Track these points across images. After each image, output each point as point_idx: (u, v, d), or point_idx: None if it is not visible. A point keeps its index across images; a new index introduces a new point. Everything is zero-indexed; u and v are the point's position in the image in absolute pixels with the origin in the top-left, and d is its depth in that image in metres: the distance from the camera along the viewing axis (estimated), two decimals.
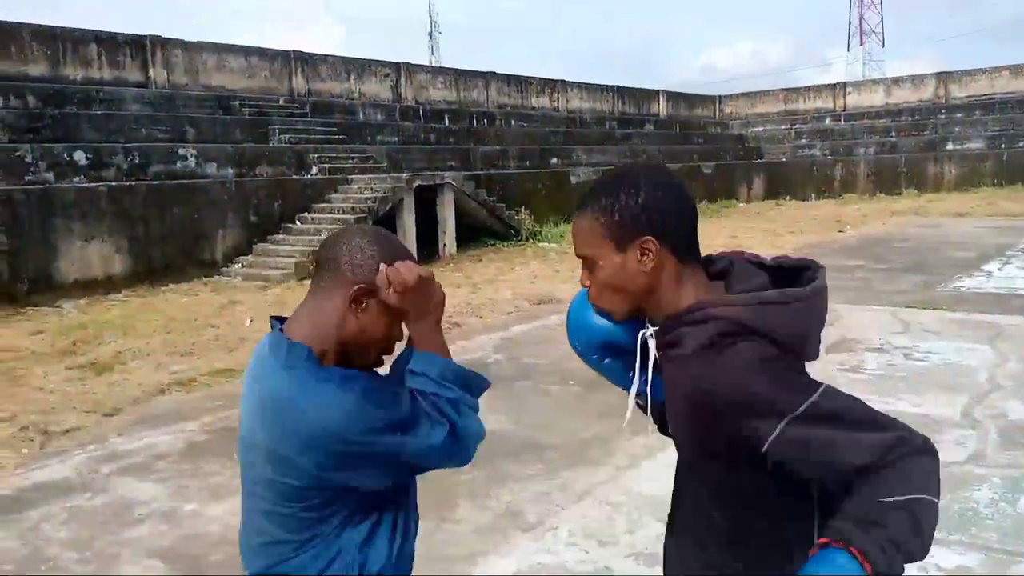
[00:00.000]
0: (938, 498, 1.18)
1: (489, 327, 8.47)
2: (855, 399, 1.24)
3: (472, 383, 1.43)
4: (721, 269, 1.40)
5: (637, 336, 1.41)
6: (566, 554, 3.51)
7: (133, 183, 11.95)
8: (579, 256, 1.40)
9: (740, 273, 1.36)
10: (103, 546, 3.74)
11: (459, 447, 1.39)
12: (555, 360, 6.93)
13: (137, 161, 12.51)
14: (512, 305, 9.62)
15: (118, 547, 3.72)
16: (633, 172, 1.36)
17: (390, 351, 1.46)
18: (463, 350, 7.45)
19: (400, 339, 1.46)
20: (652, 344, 1.38)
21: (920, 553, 1.16)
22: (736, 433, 1.25)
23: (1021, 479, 4.10)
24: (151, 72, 16.15)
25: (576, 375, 6.43)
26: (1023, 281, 10.06)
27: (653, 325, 1.38)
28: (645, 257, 1.31)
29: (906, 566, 1.16)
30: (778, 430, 1.20)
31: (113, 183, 11.71)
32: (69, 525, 3.98)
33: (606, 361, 1.54)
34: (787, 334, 1.26)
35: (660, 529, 3.84)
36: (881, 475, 1.18)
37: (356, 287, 1.36)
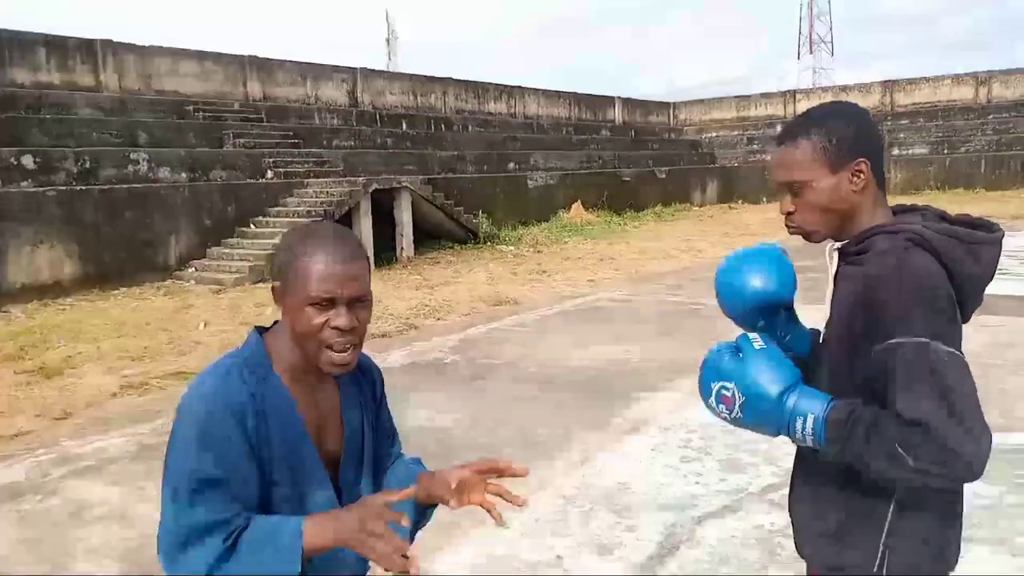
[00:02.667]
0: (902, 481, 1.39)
1: (446, 329, 8.52)
2: (969, 385, 1.34)
3: None
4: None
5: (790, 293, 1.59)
6: (519, 545, 3.58)
7: (84, 188, 11.74)
8: (784, 183, 1.53)
9: (931, 215, 1.53)
10: (55, 547, 3.71)
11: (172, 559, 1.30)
12: (511, 360, 7.01)
13: (88, 165, 12.30)
14: (469, 307, 9.68)
15: (71, 548, 3.70)
16: (844, 105, 1.54)
17: (331, 344, 1.36)
18: (420, 352, 7.49)
19: (349, 327, 1.36)
20: (835, 257, 1.55)
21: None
22: (874, 320, 1.39)
23: None
24: (102, 76, 15.89)
25: (533, 375, 6.52)
26: None
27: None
28: (856, 178, 1.47)
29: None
30: (894, 341, 1.35)
31: (63, 187, 11.49)
32: (19, 527, 3.93)
33: (760, 323, 1.66)
34: (961, 272, 1.40)
35: (612, 520, 3.95)
36: (907, 432, 1.32)
37: (272, 287, 1.43)
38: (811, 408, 1.42)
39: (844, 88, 32.80)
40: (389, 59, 64.80)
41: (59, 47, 15.24)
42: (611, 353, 7.17)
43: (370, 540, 1.25)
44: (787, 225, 1.57)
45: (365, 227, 13.51)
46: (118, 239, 11.71)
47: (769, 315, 1.62)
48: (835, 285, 1.53)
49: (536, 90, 27.74)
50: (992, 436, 1.33)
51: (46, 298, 10.53)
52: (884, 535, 1.45)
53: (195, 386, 1.37)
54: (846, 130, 1.46)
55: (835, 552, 1.51)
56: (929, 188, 25.96)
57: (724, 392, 1.50)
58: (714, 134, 33.62)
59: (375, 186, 13.95)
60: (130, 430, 5.40)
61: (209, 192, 13.26)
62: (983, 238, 1.43)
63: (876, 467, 1.36)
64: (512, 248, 15.72)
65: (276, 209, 13.75)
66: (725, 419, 1.53)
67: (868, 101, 31.43)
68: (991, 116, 28.59)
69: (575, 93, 29.69)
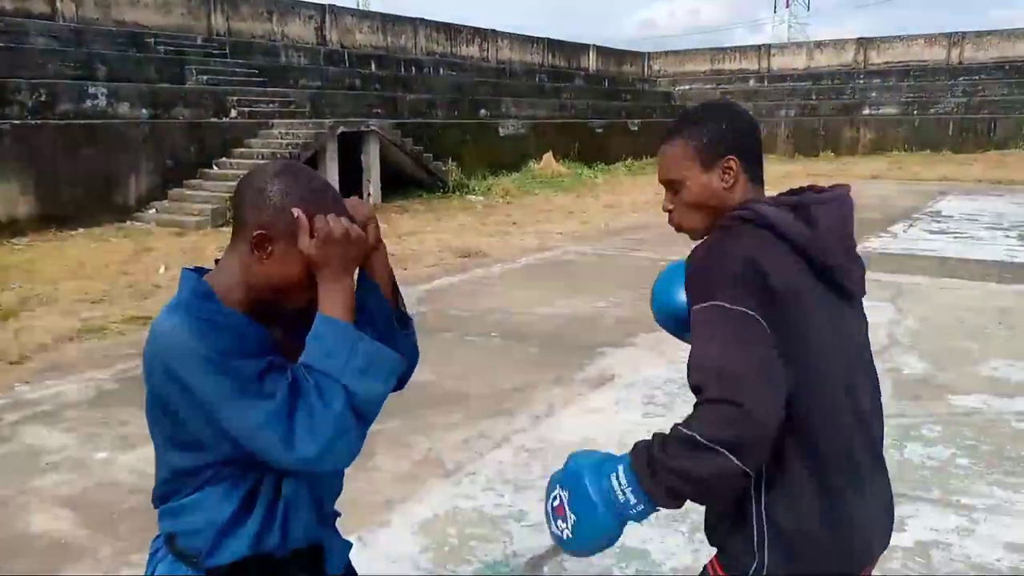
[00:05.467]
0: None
1: (413, 279, 8.45)
2: (747, 342, 1.30)
3: (375, 362, 1.27)
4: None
5: None
6: (483, 498, 3.60)
7: (39, 122, 11.32)
8: (664, 181, 1.56)
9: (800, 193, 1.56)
10: (10, 495, 3.64)
11: (308, 433, 1.20)
12: (478, 313, 6.99)
13: (44, 99, 11.83)
14: (437, 257, 9.61)
15: (26, 496, 3.64)
16: (716, 104, 1.59)
17: (303, 303, 1.32)
18: None
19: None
20: None
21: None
22: (688, 299, 1.43)
23: (909, 427, 4.39)
24: (58, 4, 15.23)
25: (499, 327, 6.51)
26: (926, 243, 10.59)
27: None
28: (727, 175, 1.50)
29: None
30: (694, 308, 1.38)
31: (17, 121, 11.07)
32: None
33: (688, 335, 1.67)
34: (800, 236, 1.41)
35: None
36: (691, 412, 1.32)
37: (256, 232, 1.26)
38: (617, 460, 1.38)
39: (819, 44, 32.68)
40: None
41: None
42: (577, 307, 7.19)
43: (340, 242, 1.26)
44: (669, 223, 1.59)
45: (332, 171, 13.27)
46: (76, 177, 11.35)
47: None
48: None
49: (509, 34, 27.25)
50: (782, 390, 1.29)
51: (1, 237, 10.23)
52: (755, 519, 1.41)
53: (162, 324, 1.26)
54: (717, 129, 1.50)
55: (723, 536, 1.51)
56: (897, 149, 26.11)
57: (554, 502, 1.42)
58: (687, 86, 33.38)
59: (342, 129, 13.68)
60: (88, 375, 5.30)
61: (171, 130, 12.89)
62: (813, 198, 1.48)
63: (681, 467, 1.28)
64: (482, 198, 15.58)
65: (240, 150, 13.42)
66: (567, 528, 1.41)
67: (842, 58, 31.40)
68: (961, 78, 28.73)
69: (549, 39, 29.23)
